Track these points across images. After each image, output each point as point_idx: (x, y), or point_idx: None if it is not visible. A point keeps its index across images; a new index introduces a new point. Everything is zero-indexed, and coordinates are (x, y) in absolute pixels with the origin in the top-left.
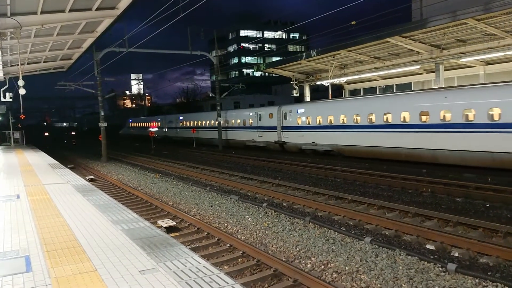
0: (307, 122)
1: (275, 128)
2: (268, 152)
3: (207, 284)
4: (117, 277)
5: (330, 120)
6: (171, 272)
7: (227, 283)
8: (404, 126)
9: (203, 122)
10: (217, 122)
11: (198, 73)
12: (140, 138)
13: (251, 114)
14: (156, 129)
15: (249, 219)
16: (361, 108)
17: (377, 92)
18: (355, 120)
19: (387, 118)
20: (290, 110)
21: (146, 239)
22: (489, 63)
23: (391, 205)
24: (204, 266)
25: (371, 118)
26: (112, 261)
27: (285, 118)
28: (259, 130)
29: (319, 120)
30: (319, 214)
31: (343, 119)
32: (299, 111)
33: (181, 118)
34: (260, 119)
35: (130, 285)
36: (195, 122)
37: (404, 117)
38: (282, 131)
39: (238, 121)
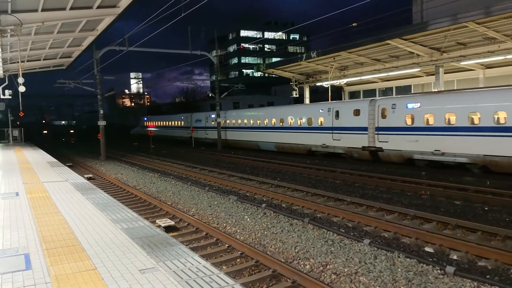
0: (426, 122)
1: (364, 129)
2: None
3: (207, 284)
4: (117, 276)
5: (472, 119)
6: (171, 271)
7: (227, 283)
8: None
9: (246, 121)
10: (273, 121)
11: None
12: (158, 139)
13: (321, 110)
14: (179, 129)
15: (248, 219)
16: None
17: (377, 95)
18: None
19: None
20: (393, 104)
21: (146, 238)
22: (489, 66)
23: (390, 207)
24: (204, 266)
25: None
26: (112, 260)
27: (383, 116)
28: (335, 131)
29: (450, 119)
30: (318, 216)
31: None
32: (411, 105)
33: (213, 116)
34: (337, 117)
35: (130, 284)
36: (236, 120)
37: None
38: (378, 134)
39: (291, 120)
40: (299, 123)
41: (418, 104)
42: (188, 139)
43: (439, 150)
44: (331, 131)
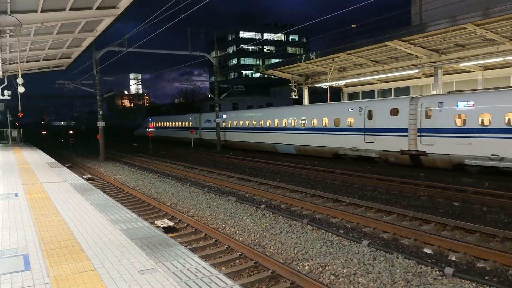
0: (481, 123)
1: (403, 130)
2: (267, 153)
3: (206, 285)
4: (116, 276)
5: None
6: (170, 272)
7: (227, 284)
8: None
9: (262, 121)
10: (293, 122)
11: (195, 73)
12: (165, 140)
13: (351, 109)
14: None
15: (247, 220)
16: None
17: (376, 96)
18: None
19: None
20: (440, 103)
21: (145, 239)
22: (487, 68)
23: (389, 209)
24: (203, 267)
25: None
26: (111, 261)
27: (427, 116)
28: (367, 133)
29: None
30: (317, 217)
31: None
32: (462, 104)
33: (224, 117)
34: (370, 117)
35: (129, 285)
36: (251, 121)
37: None
38: (420, 136)
39: (314, 120)
40: (324, 124)
41: (471, 103)
42: (197, 141)
43: (497, 155)
44: (362, 133)
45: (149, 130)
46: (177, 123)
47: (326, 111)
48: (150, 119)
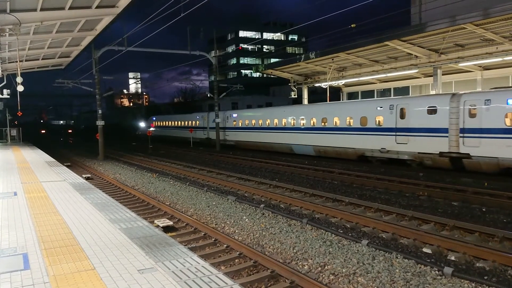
0: None
1: (442, 130)
2: (266, 153)
3: (206, 284)
4: (116, 276)
5: None
6: (170, 271)
7: (226, 284)
8: None
9: (277, 120)
10: (312, 121)
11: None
12: (170, 140)
13: (380, 107)
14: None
15: (246, 220)
16: None
17: (375, 96)
18: None
19: None
20: (487, 100)
21: (145, 238)
22: (487, 68)
23: (388, 208)
24: (203, 266)
25: None
26: (111, 260)
27: (471, 115)
28: (399, 133)
29: None
30: (316, 216)
31: None
32: None
33: (234, 115)
34: (402, 115)
35: (129, 284)
36: (264, 120)
37: None
38: (463, 136)
39: (336, 119)
40: (348, 123)
41: None
42: (205, 141)
43: None
44: (394, 133)
45: (152, 129)
46: (183, 122)
47: (351, 109)
48: (154, 118)
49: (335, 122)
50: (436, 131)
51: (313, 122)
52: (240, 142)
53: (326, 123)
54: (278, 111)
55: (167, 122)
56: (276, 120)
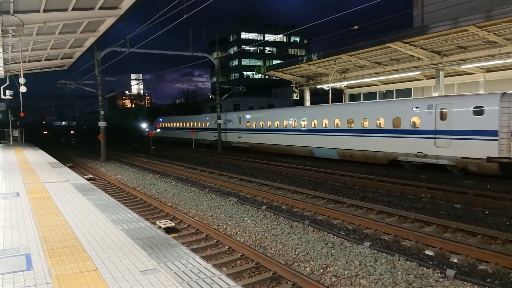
0: None
1: (490, 133)
2: (267, 154)
3: (209, 285)
4: (118, 276)
5: None
6: (172, 273)
7: (229, 285)
8: None
9: (296, 122)
10: (336, 122)
11: (196, 74)
12: (178, 142)
13: (416, 108)
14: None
15: (248, 221)
16: None
17: (377, 98)
18: None
19: None
20: None
21: (147, 239)
22: (489, 70)
23: (391, 210)
24: (205, 268)
25: None
26: (113, 261)
27: None
28: (439, 136)
29: None
30: (318, 218)
31: None
32: None
33: (248, 116)
34: (442, 116)
35: (132, 285)
36: (281, 121)
37: None
38: None
39: (364, 120)
40: (378, 125)
41: None
42: (215, 143)
43: None
44: (433, 136)
45: (158, 131)
46: (192, 123)
47: (381, 109)
48: (161, 119)
49: (363, 123)
50: (483, 133)
51: (338, 123)
52: (254, 144)
53: (352, 125)
54: (298, 111)
55: (175, 124)
56: (294, 121)
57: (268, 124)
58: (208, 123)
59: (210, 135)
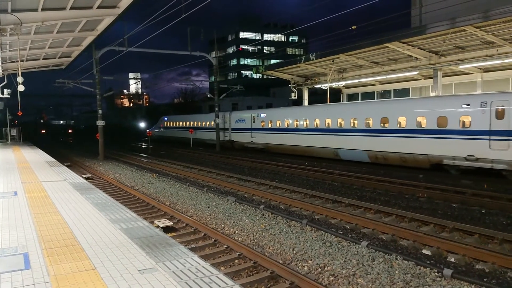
0: None
1: None
2: (265, 154)
3: (207, 284)
4: (116, 276)
5: None
6: (170, 272)
7: (227, 284)
8: None
9: (319, 121)
10: (367, 121)
11: (194, 73)
12: (182, 142)
13: (465, 105)
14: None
15: (246, 220)
16: None
17: (375, 98)
18: None
19: None
20: None
21: (145, 239)
22: (487, 70)
23: (388, 210)
24: (203, 267)
25: None
26: (111, 260)
27: None
28: (494, 137)
29: None
30: (316, 217)
31: None
32: None
33: (263, 115)
34: (499, 115)
35: (130, 284)
36: (302, 120)
37: None
38: None
39: (403, 119)
40: (418, 124)
41: None
42: (226, 143)
43: None
44: (487, 137)
45: (161, 130)
46: (199, 123)
47: (423, 107)
48: (166, 118)
49: (400, 122)
50: None
51: (369, 122)
52: (270, 145)
53: (387, 124)
54: (321, 109)
55: (181, 123)
56: (317, 120)
57: (286, 123)
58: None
59: (220, 134)
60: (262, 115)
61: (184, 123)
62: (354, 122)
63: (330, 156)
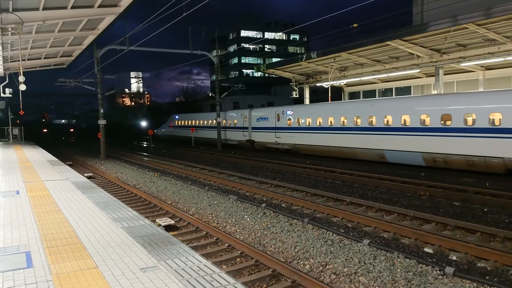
0: None
1: None
2: (267, 152)
3: (208, 283)
4: (118, 274)
5: None
6: (172, 270)
7: (228, 282)
8: None
9: (361, 119)
10: (423, 118)
11: (195, 72)
12: (194, 142)
13: None
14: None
15: (248, 219)
16: None
17: (376, 96)
18: None
19: None
20: None
21: (147, 237)
22: (489, 68)
23: (390, 208)
24: (205, 265)
25: None
26: (113, 259)
27: None
28: None
29: None
30: (318, 216)
31: None
32: None
33: (290, 112)
34: None
35: (132, 283)
36: (337, 118)
37: None
38: None
39: (469, 116)
40: (491, 122)
41: None
42: (245, 144)
43: None
44: None
45: (170, 129)
46: (214, 121)
47: (497, 102)
48: (177, 117)
49: (467, 120)
50: None
51: (426, 120)
52: (299, 146)
53: (449, 122)
54: (363, 105)
55: (193, 122)
56: (358, 118)
57: (318, 121)
58: (236, 121)
59: (238, 134)
60: (289, 112)
61: (196, 122)
62: (406, 120)
63: (374, 159)
